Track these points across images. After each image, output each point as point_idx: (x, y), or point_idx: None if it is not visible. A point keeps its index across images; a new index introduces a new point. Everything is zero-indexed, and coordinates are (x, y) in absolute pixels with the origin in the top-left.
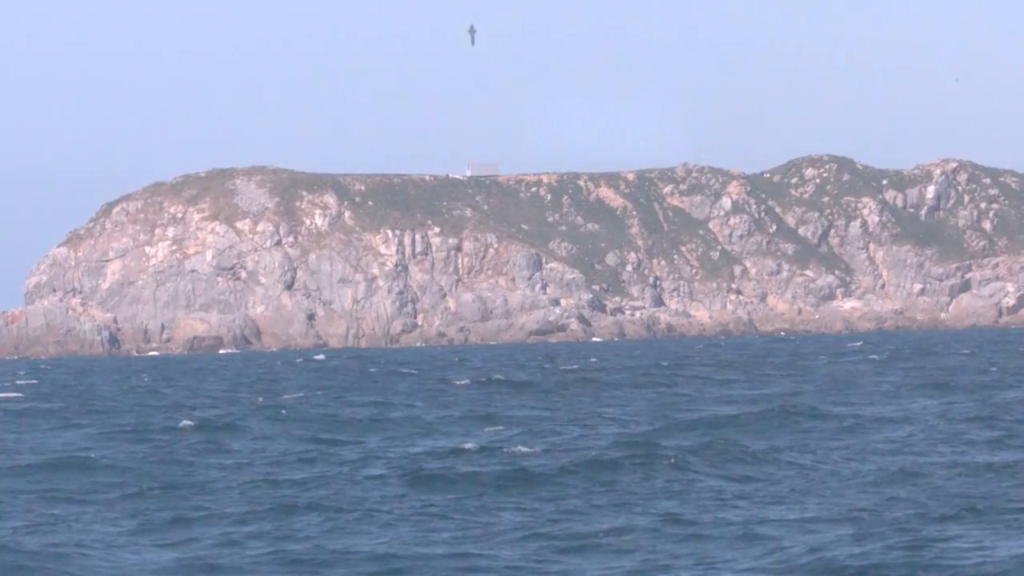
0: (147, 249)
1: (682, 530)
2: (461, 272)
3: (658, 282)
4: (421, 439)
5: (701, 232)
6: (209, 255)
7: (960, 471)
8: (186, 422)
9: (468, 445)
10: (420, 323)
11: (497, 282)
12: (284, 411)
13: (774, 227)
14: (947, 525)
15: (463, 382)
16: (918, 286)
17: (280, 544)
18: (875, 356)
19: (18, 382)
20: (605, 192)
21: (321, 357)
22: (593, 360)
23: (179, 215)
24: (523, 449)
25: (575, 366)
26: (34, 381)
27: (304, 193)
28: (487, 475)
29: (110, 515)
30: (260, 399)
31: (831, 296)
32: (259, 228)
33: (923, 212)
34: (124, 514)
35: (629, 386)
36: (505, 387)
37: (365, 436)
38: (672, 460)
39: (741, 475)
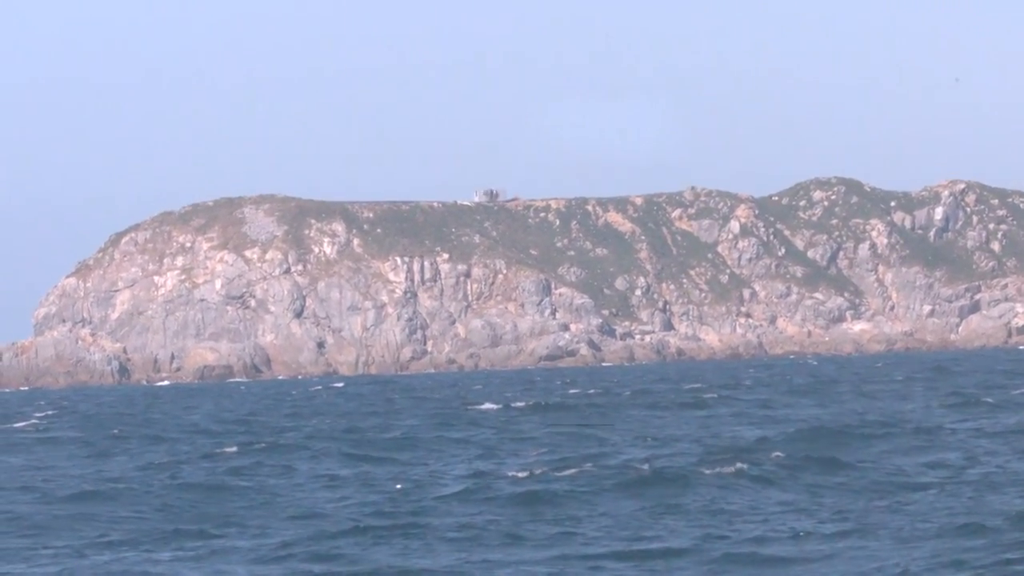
0: (156, 279)
1: (737, 549)
2: (470, 298)
3: (667, 306)
4: (461, 461)
5: (710, 256)
6: (218, 284)
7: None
8: (227, 448)
9: (510, 468)
10: (430, 350)
11: (506, 308)
12: (317, 435)
13: (783, 250)
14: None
15: (492, 406)
16: (927, 307)
17: (325, 564)
18: (899, 376)
19: (37, 414)
20: (613, 217)
21: (340, 385)
22: (614, 383)
23: (188, 244)
24: (563, 472)
25: (598, 389)
26: (55, 411)
27: (312, 221)
28: (531, 494)
29: (157, 541)
30: (292, 423)
31: (841, 318)
32: (268, 256)
33: (932, 233)
34: (169, 540)
35: (658, 408)
36: (535, 411)
37: (405, 458)
38: (730, 476)
39: (798, 493)
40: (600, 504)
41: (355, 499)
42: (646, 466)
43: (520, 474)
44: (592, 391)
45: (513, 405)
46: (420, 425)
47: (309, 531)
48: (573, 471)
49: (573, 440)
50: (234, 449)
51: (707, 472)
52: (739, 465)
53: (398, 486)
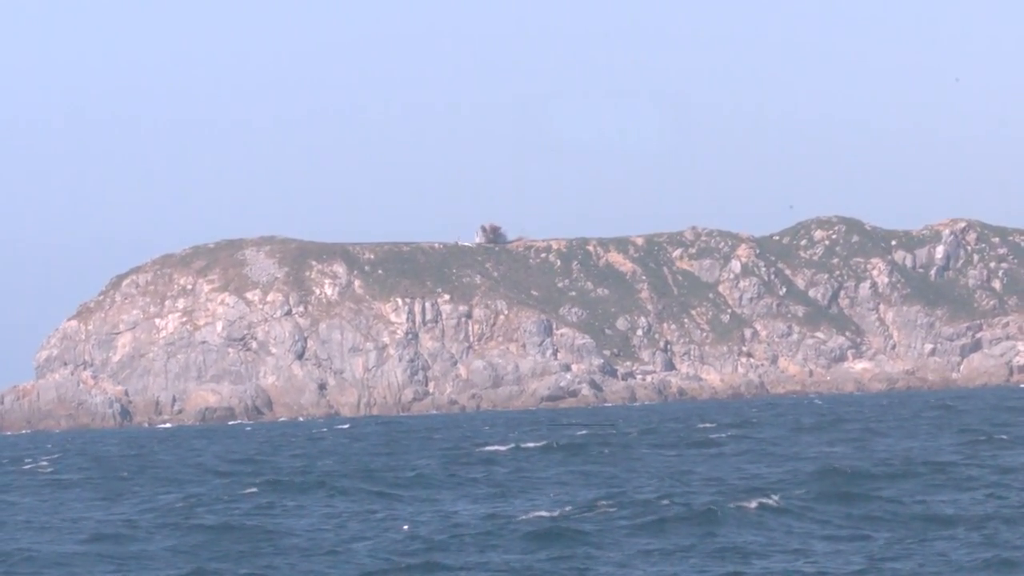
0: (157, 321)
1: None
2: (472, 339)
3: (669, 346)
4: (475, 501)
5: (711, 295)
6: (219, 326)
7: None
8: (240, 489)
9: (525, 508)
10: (431, 391)
11: (508, 348)
12: (331, 475)
13: (784, 289)
14: None
15: (502, 447)
16: (929, 346)
17: None
18: (906, 414)
19: (44, 457)
20: (614, 257)
21: (346, 426)
22: (620, 423)
23: (189, 286)
24: (578, 511)
25: (606, 429)
26: (61, 454)
27: (313, 263)
28: (546, 533)
29: None
30: (302, 463)
31: (842, 357)
32: (269, 298)
33: (932, 272)
34: None
35: (668, 447)
36: (546, 451)
37: (420, 498)
38: (745, 514)
39: (816, 529)
40: (616, 542)
41: (371, 538)
42: (665, 502)
43: (535, 513)
44: (600, 431)
45: (523, 445)
46: (432, 465)
47: (327, 571)
48: (588, 510)
49: (586, 479)
50: (249, 490)
51: (723, 510)
52: (755, 503)
53: (406, 527)
